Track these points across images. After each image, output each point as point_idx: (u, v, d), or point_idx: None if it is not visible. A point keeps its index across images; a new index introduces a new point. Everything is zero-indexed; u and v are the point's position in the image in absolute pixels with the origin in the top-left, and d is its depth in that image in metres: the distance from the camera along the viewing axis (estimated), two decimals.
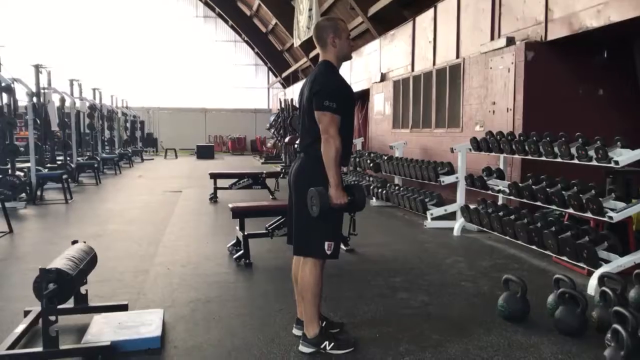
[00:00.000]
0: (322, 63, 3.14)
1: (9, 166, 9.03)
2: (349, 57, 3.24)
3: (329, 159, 2.91)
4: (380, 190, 9.00)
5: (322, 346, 3.09)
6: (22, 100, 10.33)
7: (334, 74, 3.11)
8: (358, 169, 10.96)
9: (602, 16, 5.67)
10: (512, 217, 5.60)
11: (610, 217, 4.33)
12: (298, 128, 3.38)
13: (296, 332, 3.35)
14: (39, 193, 9.58)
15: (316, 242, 3.05)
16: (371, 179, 10.01)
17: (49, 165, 11.45)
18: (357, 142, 13.28)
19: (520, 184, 5.58)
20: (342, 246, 5.66)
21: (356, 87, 14.51)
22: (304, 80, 3.19)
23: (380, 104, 12.19)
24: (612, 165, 4.46)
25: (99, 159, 14.98)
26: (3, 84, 8.84)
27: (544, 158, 5.29)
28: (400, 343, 3.26)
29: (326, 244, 3.03)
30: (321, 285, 3.14)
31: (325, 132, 2.92)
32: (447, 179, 7.14)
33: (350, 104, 3.18)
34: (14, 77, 9.65)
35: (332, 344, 3.09)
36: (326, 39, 3.11)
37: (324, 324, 3.23)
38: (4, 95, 8.95)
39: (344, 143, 3.00)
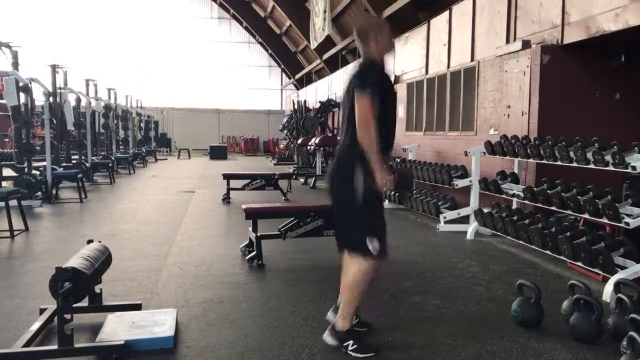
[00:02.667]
0: (364, 60, 3.19)
1: (25, 165, 9.14)
2: (392, 48, 3.30)
3: (368, 142, 2.90)
4: (393, 192, 8.97)
5: (345, 344, 3.09)
6: (39, 99, 10.45)
7: (373, 67, 3.14)
8: None
9: (620, 20, 5.61)
10: (527, 221, 5.55)
11: (627, 223, 4.28)
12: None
13: (330, 317, 3.38)
14: (54, 192, 9.68)
15: (358, 238, 3.03)
16: None
17: (64, 164, 11.58)
18: None
19: (535, 188, 5.54)
20: None
21: None
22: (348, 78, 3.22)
23: None
24: (629, 170, 4.41)
25: (113, 158, 15.11)
26: (21, 84, 8.94)
27: (559, 163, 5.25)
28: (412, 347, 3.25)
29: (368, 240, 2.98)
30: (364, 287, 3.12)
31: (364, 118, 2.91)
32: (460, 183, 7.10)
33: (390, 94, 3.17)
34: (32, 77, 9.76)
35: (355, 345, 3.08)
36: (368, 39, 3.16)
37: (356, 321, 3.26)
38: (22, 95, 9.05)
39: (384, 132, 2.99)
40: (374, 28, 3.19)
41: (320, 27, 18.45)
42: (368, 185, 2.85)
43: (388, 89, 3.13)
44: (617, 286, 3.67)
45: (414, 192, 8.57)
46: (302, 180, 13.28)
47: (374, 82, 2.99)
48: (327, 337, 3.17)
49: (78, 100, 13.28)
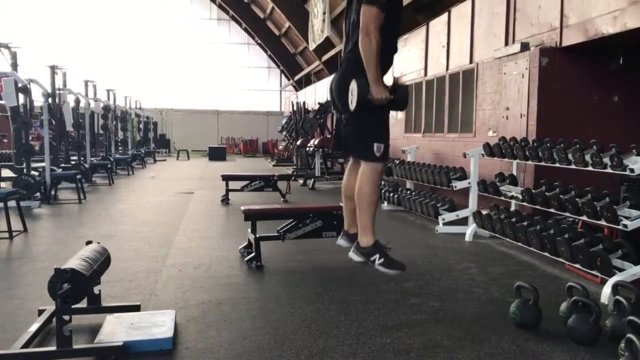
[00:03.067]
0: None
1: (24, 165, 9.14)
2: None
3: (369, 53, 2.85)
4: (391, 194, 8.99)
5: (372, 258, 3.04)
6: (38, 100, 10.45)
7: None
8: None
9: (618, 23, 5.62)
10: (525, 223, 5.56)
11: (625, 225, 4.29)
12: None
13: (341, 242, 3.39)
14: (53, 193, 9.69)
15: (365, 145, 3.04)
16: (383, 183, 10.00)
17: (63, 165, 11.58)
18: None
19: (533, 190, 5.55)
20: None
21: None
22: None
23: None
24: (627, 173, 4.43)
25: (112, 159, 15.11)
26: (20, 85, 8.94)
27: (557, 165, 5.26)
28: (411, 349, 3.25)
29: (375, 145, 3.01)
30: (378, 194, 3.12)
31: (366, 27, 2.86)
32: (459, 184, 7.11)
33: (398, 7, 3.11)
34: (30, 78, 9.77)
35: (383, 259, 3.04)
36: None
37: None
38: (21, 96, 9.06)
39: (386, 45, 2.95)
40: None
41: (319, 28, 18.47)
42: (363, 92, 2.81)
43: (395, 3, 3.06)
44: (615, 288, 3.68)
45: (413, 193, 8.58)
46: (301, 181, 13.28)
47: None
48: (353, 255, 3.09)
49: (77, 101, 13.29)
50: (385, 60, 2.98)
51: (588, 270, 4.61)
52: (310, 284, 4.60)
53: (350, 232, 3.34)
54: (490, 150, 6.45)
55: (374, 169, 3.06)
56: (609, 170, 4.63)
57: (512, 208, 6.35)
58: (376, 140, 3.03)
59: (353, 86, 2.87)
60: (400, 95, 2.99)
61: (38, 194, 9.19)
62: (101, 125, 15.64)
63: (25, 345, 3.02)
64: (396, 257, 3.21)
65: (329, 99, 3.36)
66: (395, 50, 3.15)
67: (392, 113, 12.76)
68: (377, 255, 3.05)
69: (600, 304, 3.89)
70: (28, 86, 9.51)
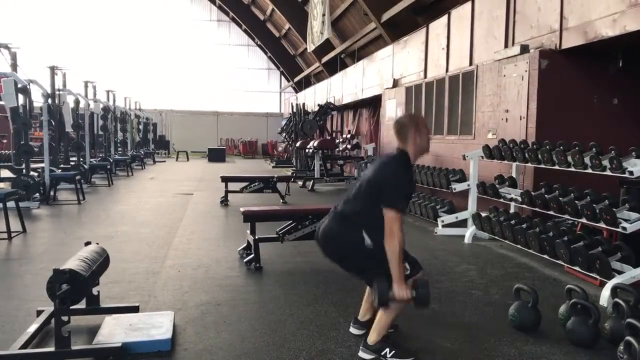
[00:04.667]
0: (400, 153, 3.17)
1: (23, 166, 9.14)
2: (427, 151, 3.28)
3: (393, 253, 2.94)
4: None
5: (382, 353, 3.09)
6: (38, 101, 10.45)
7: (407, 168, 3.15)
8: None
9: (617, 25, 5.63)
10: (524, 225, 5.57)
11: (624, 228, 4.29)
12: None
13: (353, 330, 3.47)
14: (52, 193, 9.68)
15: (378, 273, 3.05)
16: None
17: (62, 166, 11.57)
18: (369, 148, 13.29)
19: (532, 193, 5.55)
20: None
21: (368, 93, 14.53)
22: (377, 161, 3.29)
23: (392, 110, 12.18)
24: (627, 175, 4.42)
25: (111, 160, 15.11)
26: (19, 85, 8.94)
27: (557, 167, 5.26)
28: (410, 351, 3.24)
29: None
30: (397, 306, 3.12)
31: (390, 229, 2.95)
32: (458, 186, 7.11)
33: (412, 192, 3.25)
34: (30, 79, 9.76)
35: (394, 352, 3.08)
36: (407, 135, 3.16)
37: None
38: (20, 96, 9.05)
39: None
40: (414, 125, 3.18)
41: (318, 30, 18.47)
42: (384, 294, 2.90)
43: (408, 196, 3.19)
44: (614, 291, 3.68)
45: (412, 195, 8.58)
46: (300, 183, 13.28)
47: (405, 193, 3.08)
48: (362, 354, 3.14)
49: (77, 102, 13.28)
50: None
51: (587, 273, 4.62)
52: (309, 286, 4.59)
53: (362, 320, 3.46)
54: (489, 152, 6.45)
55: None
56: (608, 172, 4.63)
57: (512, 210, 6.35)
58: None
59: (377, 284, 2.94)
60: (421, 292, 3.01)
61: (37, 194, 9.19)
62: (101, 126, 15.65)
63: (24, 346, 3.02)
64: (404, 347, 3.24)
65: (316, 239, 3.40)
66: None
67: (392, 115, 12.72)
68: (388, 350, 3.10)
69: (599, 307, 3.89)
70: (28, 87, 9.50)
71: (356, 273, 3.37)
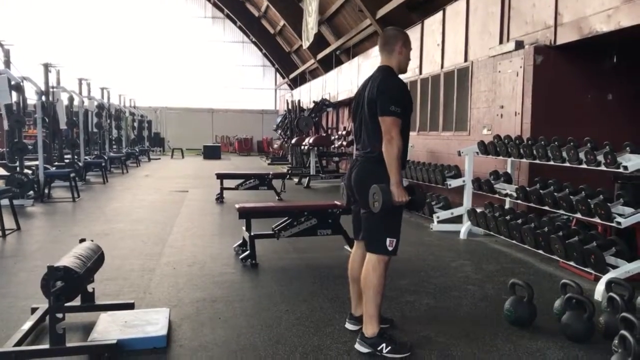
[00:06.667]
0: (384, 68, 3.23)
1: (17, 164, 9.09)
2: (405, 70, 3.33)
3: (392, 158, 3.01)
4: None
5: (379, 348, 3.09)
6: (32, 98, 10.40)
7: (397, 78, 3.22)
8: None
9: (612, 21, 5.64)
10: (519, 221, 5.58)
11: (619, 223, 4.31)
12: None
13: (349, 326, 3.45)
14: (46, 191, 9.63)
15: (379, 238, 3.14)
16: None
17: (57, 163, 11.52)
18: None
19: (527, 188, 5.56)
20: (348, 248, 5.67)
21: None
22: (362, 85, 3.31)
23: None
24: (621, 170, 4.44)
25: (106, 157, 15.05)
26: (13, 83, 8.89)
27: (552, 162, 5.28)
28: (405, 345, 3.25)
29: (388, 240, 3.12)
30: (384, 284, 3.17)
31: (388, 133, 3.01)
32: (454, 182, 7.12)
33: (410, 109, 3.25)
34: (24, 76, 9.72)
35: (390, 347, 3.09)
36: (394, 46, 3.22)
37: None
38: (14, 94, 9.00)
39: (404, 145, 3.09)
40: (402, 38, 3.25)
41: (312, 26, 18.46)
42: (387, 197, 3.00)
43: (408, 104, 3.18)
44: (609, 285, 3.69)
45: None
46: (296, 180, 13.27)
47: (401, 99, 3.09)
48: (359, 347, 3.15)
49: (71, 99, 13.22)
50: (403, 156, 3.13)
51: (582, 268, 4.63)
52: (304, 282, 4.59)
53: (356, 315, 3.45)
54: (484, 148, 6.46)
55: (381, 260, 3.15)
56: (602, 168, 4.64)
57: (507, 206, 6.37)
58: (390, 236, 3.14)
59: (376, 190, 3.02)
60: (418, 197, 3.18)
61: (31, 192, 9.15)
62: (95, 124, 15.57)
63: (19, 344, 3.00)
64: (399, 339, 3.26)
65: (344, 188, 3.51)
66: (407, 146, 3.26)
67: None
68: (384, 345, 3.10)
69: (594, 301, 3.90)
70: (21, 84, 9.45)
71: (366, 222, 3.29)
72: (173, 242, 6.14)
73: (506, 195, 6.05)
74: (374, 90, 3.10)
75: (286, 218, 5.42)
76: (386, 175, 3.04)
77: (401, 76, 3.29)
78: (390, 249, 3.12)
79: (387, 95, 3.05)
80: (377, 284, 3.11)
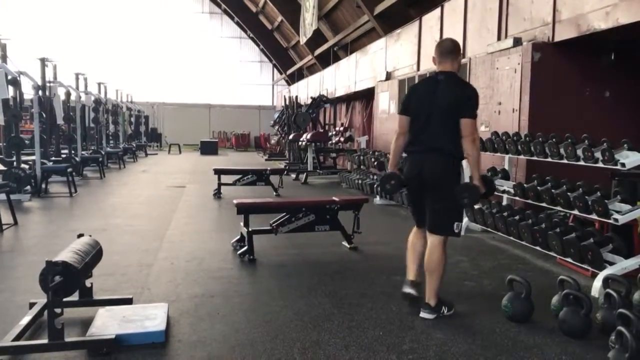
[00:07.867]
0: (454, 75, 3.71)
1: (14, 159, 9.06)
2: None
3: (477, 157, 3.58)
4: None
5: (441, 311, 3.67)
6: (28, 93, 10.36)
7: (471, 86, 3.82)
8: (362, 167, 10.96)
9: (610, 18, 5.64)
10: (517, 217, 5.59)
11: (616, 220, 4.32)
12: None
13: (410, 291, 3.79)
14: (43, 186, 9.61)
15: (449, 223, 3.64)
16: (375, 177, 10.01)
17: (53, 158, 11.49)
18: (362, 141, 13.29)
19: (525, 185, 5.57)
20: (346, 244, 5.68)
21: (361, 86, 14.50)
22: (425, 86, 3.89)
23: (385, 103, 12.18)
24: (619, 167, 4.45)
25: (103, 153, 15.01)
26: (9, 77, 8.85)
27: (549, 159, 5.29)
28: (404, 341, 3.27)
29: (455, 224, 3.66)
30: (445, 261, 3.69)
31: (472, 134, 3.53)
32: None
33: None
34: (20, 70, 9.68)
35: (446, 308, 3.70)
36: (457, 55, 3.74)
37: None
38: (10, 88, 8.97)
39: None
40: (460, 49, 3.79)
41: (310, 22, 18.42)
42: (477, 193, 3.58)
43: None
44: (606, 281, 3.71)
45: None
46: (293, 175, 13.27)
47: (478, 103, 3.63)
48: (425, 314, 3.64)
49: (68, 94, 13.17)
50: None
51: (579, 264, 4.65)
52: (303, 278, 4.60)
53: (417, 280, 3.81)
54: (482, 144, 6.46)
55: (445, 241, 3.67)
56: (600, 164, 4.66)
57: (504, 202, 6.38)
58: (458, 220, 3.68)
59: (465, 188, 3.62)
60: (490, 186, 3.84)
61: (28, 187, 9.12)
62: (92, 119, 15.53)
63: (17, 338, 3.01)
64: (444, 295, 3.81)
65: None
66: None
67: (385, 107, 12.71)
68: (445, 308, 3.70)
69: (591, 297, 3.92)
70: (18, 78, 9.41)
71: (436, 208, 3.69)
72: (171, 238, 6.13)
73: (504, 191, 6.06)
74: (459, 93, 3.59)
75: (284, 214, 5.43)
76: (455, 170, 3.63)
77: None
78: (456, 231, 3.66)
79: (474, 101, 3.59)
80: (442, 261, 3.63)
